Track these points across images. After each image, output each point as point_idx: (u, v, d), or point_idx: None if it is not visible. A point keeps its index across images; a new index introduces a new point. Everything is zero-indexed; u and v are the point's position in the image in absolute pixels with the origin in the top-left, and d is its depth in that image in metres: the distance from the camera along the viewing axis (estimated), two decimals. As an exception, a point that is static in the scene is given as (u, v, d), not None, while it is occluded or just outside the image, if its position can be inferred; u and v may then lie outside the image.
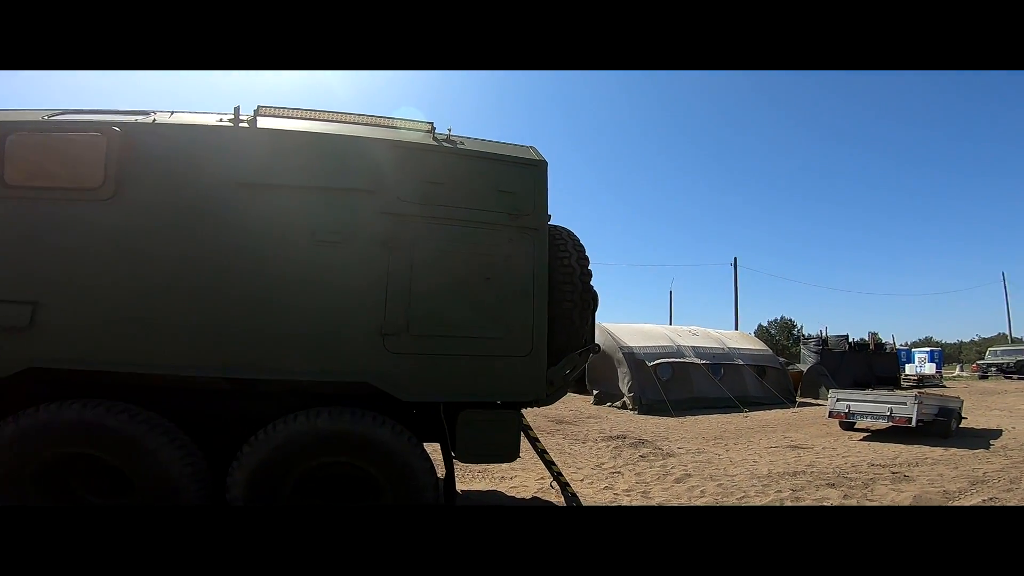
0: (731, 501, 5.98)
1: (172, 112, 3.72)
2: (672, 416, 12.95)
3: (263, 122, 3.67)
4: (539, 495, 5.83)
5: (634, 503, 5.91)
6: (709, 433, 11.05)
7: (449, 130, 3.96)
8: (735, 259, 33.19)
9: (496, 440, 3.71)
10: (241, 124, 3.61)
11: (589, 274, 4.04)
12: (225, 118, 3.66)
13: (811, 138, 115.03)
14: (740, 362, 15.62)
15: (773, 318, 47.04)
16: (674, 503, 5.94)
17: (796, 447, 9.44)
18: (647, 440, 9.74)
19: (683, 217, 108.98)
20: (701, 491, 6.42)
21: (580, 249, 4.09)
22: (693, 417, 13.10)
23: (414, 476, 3.47)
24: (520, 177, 3.85)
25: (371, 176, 3.59)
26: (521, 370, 3.70)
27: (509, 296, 3.69)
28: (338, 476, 3.59)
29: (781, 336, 42.88)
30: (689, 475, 7.14)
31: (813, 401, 17.12)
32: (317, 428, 3.40)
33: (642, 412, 13.48)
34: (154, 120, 3.60)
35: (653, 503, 5.92)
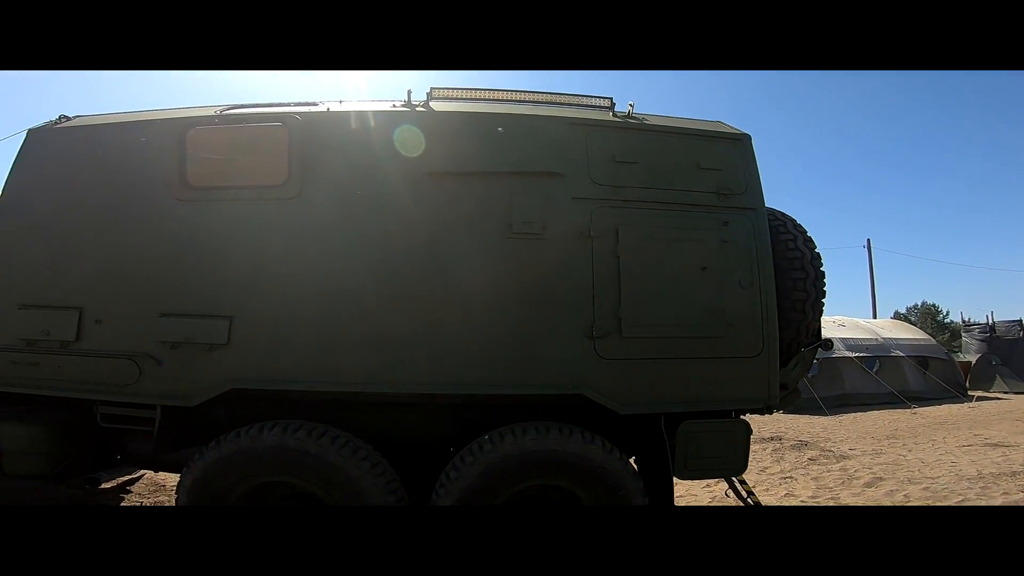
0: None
1: (340, 101, 3.50)
2: (825, 414, 11.75)
3: (436, 105, 3.42)
4: (716, 504, 5.29)
5: (828, 511, 5.22)
6: (877, 432, 9.87)
7: (631, 106, 3.54)
8: (868, 241, 30.04)
9: (721, 453, 3.22)
10: (417, 108, 3.36)
11: (819, 258, 3.48)
12: (398, 103, 3.43)
13: (944, 105, 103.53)
14: (899, 353, 13.96)
15: (912, 303, 42.39)
16: (876, 511, 5.18)
17: (997, 445, 8.13)
18: (808, 441, 8.83)
19: (806, 195, 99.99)
20: (904, 495, 5.58)
21: (803, 231, 3.56)
22: (849, 415, 11.83)
23: (627, 498, 3.05)
24: (723, 153, 3.38)
25: (561, 158, 3.24)
26: (750, 373, 3.18)
27: (731, 287, 3.19)
28: (531, 500, 3.19)
29: (923, 323, 38.41)
30: (880, 479, 6.26)
31: (988, 394, 15.00)
32: (525, 448, 2.98)
33: (788, 411, 12.36)
34: (328, 109, 3.35)
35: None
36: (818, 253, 3.48)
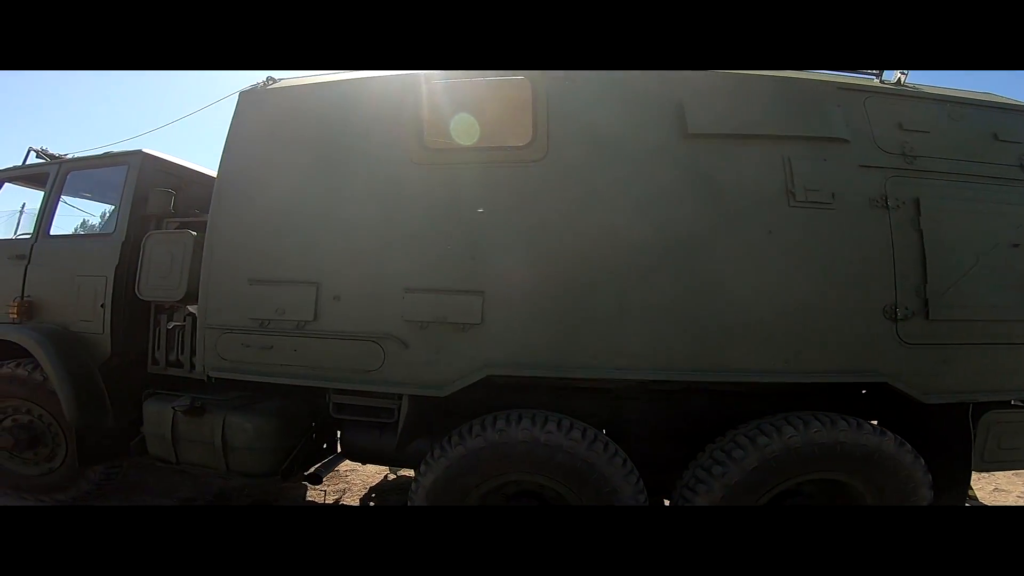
0: None
1: None
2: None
3: None
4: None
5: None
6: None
7: (903, 75, 3.23)
8: None
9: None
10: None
11: None
12: None
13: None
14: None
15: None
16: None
17: None
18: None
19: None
20: None
21: None
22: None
23: (915, 492, 2.82)
24: (1020, 125, 3.11)
25: (842, 123, 2.98)
26: None
27: None
28: (790, 493, 2.96)
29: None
30: (1108, 474, 5.48)
31: None
32: (811, 440, 2.74)
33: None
34: None
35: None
36: None
